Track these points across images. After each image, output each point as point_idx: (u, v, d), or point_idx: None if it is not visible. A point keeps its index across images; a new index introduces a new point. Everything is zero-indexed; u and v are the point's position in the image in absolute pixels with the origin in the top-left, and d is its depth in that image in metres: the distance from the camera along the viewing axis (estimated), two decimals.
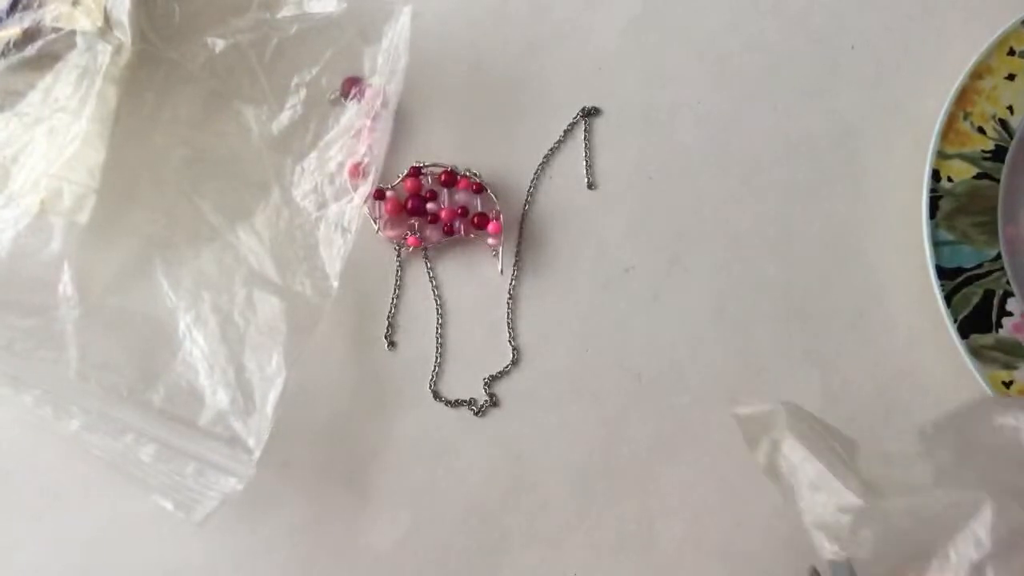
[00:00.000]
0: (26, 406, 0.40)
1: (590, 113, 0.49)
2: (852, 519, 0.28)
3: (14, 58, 0.43)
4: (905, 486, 0.29)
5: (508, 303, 0.47)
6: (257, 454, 0.41)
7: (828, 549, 0.28)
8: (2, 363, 0.41)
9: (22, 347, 0.41)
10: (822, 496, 0.28)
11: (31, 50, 0.43)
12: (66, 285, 0.42)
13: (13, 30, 0.43)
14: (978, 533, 0.26)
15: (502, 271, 0.47)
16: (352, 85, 0.47)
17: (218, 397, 0.42)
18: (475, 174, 0.47)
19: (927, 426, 0.30)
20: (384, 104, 0.45)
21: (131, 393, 0.42)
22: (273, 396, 0.41)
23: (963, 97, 0.47)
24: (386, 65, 0.45)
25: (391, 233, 0.47)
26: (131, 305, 0.43)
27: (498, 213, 0.47)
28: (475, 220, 0.47)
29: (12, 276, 0.41)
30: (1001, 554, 0.26)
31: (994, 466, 0.28)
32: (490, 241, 0.47)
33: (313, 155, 0.46)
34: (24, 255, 0.42)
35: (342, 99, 0.47)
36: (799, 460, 0.30)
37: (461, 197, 0.47)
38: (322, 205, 0.45)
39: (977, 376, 0.45)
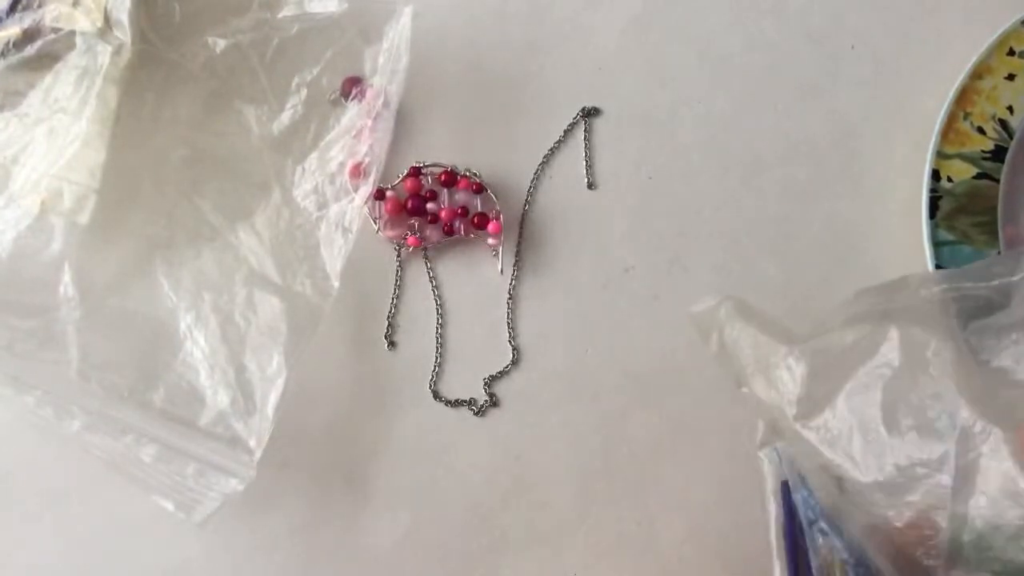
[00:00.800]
0: (27, 407, 0.40)
1: (590, 113, 0.49)
2: (781, 361, 0.30)
3: (14, 58, 0.43)
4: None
5: (508, 303, 0.47)
6: (258, 455, 0.41)
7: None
8: (3, 364, 0.41)
9: (23, 348, 0.41)
10: (760, 354, 0.31)
11: (31, 50, 0.43)
12: (67, 286, 0.42)
13: (13, 30, 0.43)
14: (888, 355, 0.29)
15: (502, 271, 0.47)
16: (352, 85, 0.47)
17: (219, 398, 0.42)
18: (475, 174, 0.47)
19: (851, 296, 0.33)
20: (385, 104, 0.45)
21: (132, 394, 0.42)
22: (274, 397, 0.41)
23: (963, 97, 0.47)
24: (387, 65, 0.45)
25: (391, 233, 0.47)
26: (132, 305, 0.43)
27: (498, 213, 0.47)
28: (475, 220, 0.47)
29: (13, 277, 0.41)
30: (907, 371, 0.28)
31: (901, 310, 0.31)
32: (490, 241, 0.47)
33: (314, 155, 0.46)
34: (25, 256, 0.42)
35: (342, 99, 0.47)
36: (739, 334, 0.33)
37: (461, 197, 0.47)
38: (323, 205, 0.45)
39: None
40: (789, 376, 0.31)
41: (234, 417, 0.41)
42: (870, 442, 0.30)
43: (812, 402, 0.31)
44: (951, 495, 0.28)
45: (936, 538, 0.29)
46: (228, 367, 0.42)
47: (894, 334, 0.30)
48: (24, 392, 0.40)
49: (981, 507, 0.28)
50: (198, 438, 0.41)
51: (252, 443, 0.41)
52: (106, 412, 0.41)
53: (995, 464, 0.28)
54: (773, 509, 0.32)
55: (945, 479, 0.29)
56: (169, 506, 0.40)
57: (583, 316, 0.47)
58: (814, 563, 0.30)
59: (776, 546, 0.31)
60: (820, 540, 0.30)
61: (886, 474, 0.29)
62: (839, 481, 0.30)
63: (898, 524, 0.29)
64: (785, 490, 0.31)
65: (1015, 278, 0.31)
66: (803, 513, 0.30)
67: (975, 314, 0.32)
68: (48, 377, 0.41)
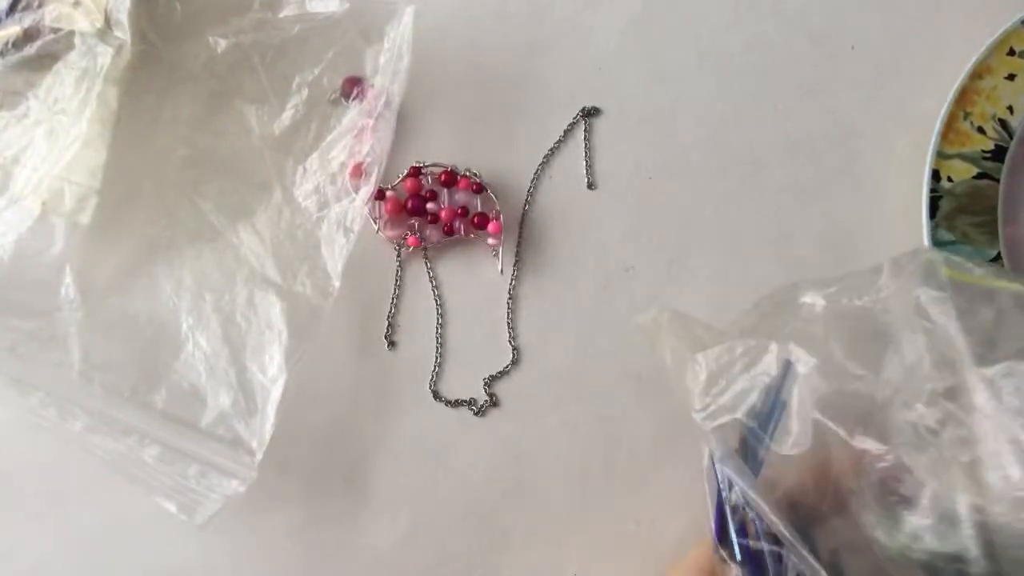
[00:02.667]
0: (29, 407, 0.40)
1: (590, 113, 0.49)
2: (689, 366, 0.38)
3: (13, 58, 0.43)
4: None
5: (508, 303, 0.47)
6: (259, 456, 0.41)
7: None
8: (6, 365, 0.41)
9: (25, 350, 0.41)
10: (676, 360, 0.39)
11: (30, 50, 0.43)
12: (68, 287, 0.42)
13: (13, 29, 0.43)
14: (767, 365, 0.37)
15: (502, 271, 0.47)
16: (353, 85, 0.47)
17: (220, 398, 0.42)
18: (475, 174, 0.47)
19: (749, 306, 0.41)
20: (387, 104, 0.45)
21: (134, 394, 0.42)
22: (275, 397, 0.41)
23: (963, 97, 0.47)
24: (389, 65, 0.45)
25: (391, 233, 0.47)
26: (133, 306, 0.43)
27: (498, 213, 0.47)
28: (475, 220, 0.47)
29: (15, 278, 0.42)
30: (779, 379, 0.36)
31: (785, 325, 0.38)
32: (490, 241, 0.47)
33: (315, 155, 0.46)
34: (26, 257, 0.42)
35: (342, 99, 0.47)
36: (664, 341, 0.40)
37: (461, 197, 0.47)
38: (324, 205, 0.45)
39: None
40: (694, 378, 0.38)
41: (235, 418, 0.42)
42: (748, 434, 0.37)
43: (710, 399, 0.38)
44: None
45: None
46: (229, 368, 0.42)
47: (773, 347, 0.37)
48: (27, 393, 0.41)
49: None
50: (200, 439, 0.41)
51: (253, 444, 0.41)
52: (108, 413, 0.41)
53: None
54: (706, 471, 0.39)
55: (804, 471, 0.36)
56: (171, 507, 0.40)
57: (583, 316, 0.47)
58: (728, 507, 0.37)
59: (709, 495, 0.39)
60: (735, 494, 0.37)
61: (758, 461, 0.37)
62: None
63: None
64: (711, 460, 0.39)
65: (882, 294, 0.37)
66: (721, 477, 0.37)
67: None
68: (50, 378, 0.41)
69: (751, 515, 0.36)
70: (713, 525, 0.38)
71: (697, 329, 0.40)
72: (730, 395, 0.37)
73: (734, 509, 0.37)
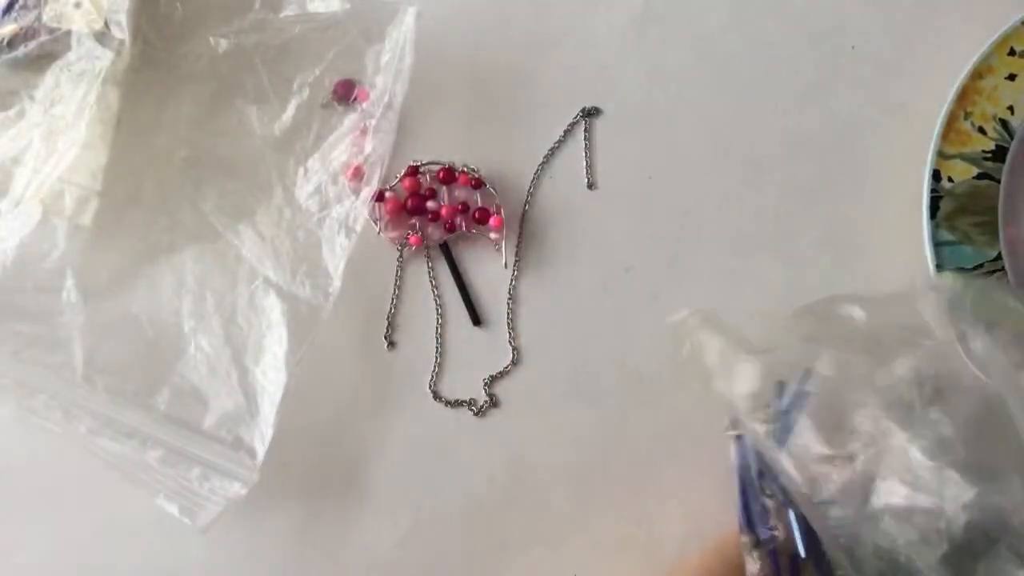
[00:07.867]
0: (34, 410, 0.40)
1: (590, 113, 0.49)
2: (738, 367, 0.39)
3: (7, 56, 0.43)
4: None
5: (508, 303, 0.47)
6: (260, 458, 0.41)
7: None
8: (10, 369, 0.41)
9: (29, 354, 0.41)
10: (724, 359, 0.40)
11: (26, 49, 0.43)
12: (70, 291, 0.42)
13: (9, 28, 0.43)
14: (821, 370, 0.38)
15: (506, 265, 0.47)
16: (345, 88, 0.46)
17: (222, 400, 0.42)
18: (473, 169, 0.47)
19: (792, 312, 0.42)
20: (388, 104, 0.45)
21: (136, 397, 0.42)
22: (276, 398, 0.41)
23: (963, 97, 0.47)
24: (390, 65, 0.45)
25: (393, 234, 0.47)
26: (134, 308, 0.43)
27: (499, 207, 0.47)
28: (476, 215, 0.47)
29: (17, 282, 0.42)
30: (833, 383, 0.38)
31: (830, 334, 0.40)
32: (492, 235, 0.47)
33: (316, 155, 0.46)
34: (28, 262, 0.42)
35: (334, 103, 0.47)
36: (707, 340, 0.40)
37: (460, 193, 0.47)
38: (325, 205, 0.45)
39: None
40: (745, 378, 0.39)
41: (237, 420, 0.41)
42: (799, 435, 0.38)
43: (760, 399, 0.39)
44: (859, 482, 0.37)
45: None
46: (231, 369, 0.42)
47: (825, 355, 0.39)
48: (31, 396, 0.41)
49: (882, 494, 0.36)
50: (202, 441, 0.41)
51: (255, 446, 0.41)
52: (111, 415, 0.41)
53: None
54: (736, 462, 0.41)
55: (858, 467, 0.37)
56: (174, 510, 0.40)
57: (583, 316, 0.47)
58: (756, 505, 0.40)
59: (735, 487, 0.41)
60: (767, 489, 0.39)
61: (811, 459, 0.37)
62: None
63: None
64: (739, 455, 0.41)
65: (922, 319, 0.39)
66: (755, 469, 0.40)
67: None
68: (54, 382, 0.41)
69: (778, 501, 0.39)
70: (741, 514, 0.40)
71: (731, 333, 0.41)
72: (785, 397, 0.39)
73: (763, 502, 0.39)
